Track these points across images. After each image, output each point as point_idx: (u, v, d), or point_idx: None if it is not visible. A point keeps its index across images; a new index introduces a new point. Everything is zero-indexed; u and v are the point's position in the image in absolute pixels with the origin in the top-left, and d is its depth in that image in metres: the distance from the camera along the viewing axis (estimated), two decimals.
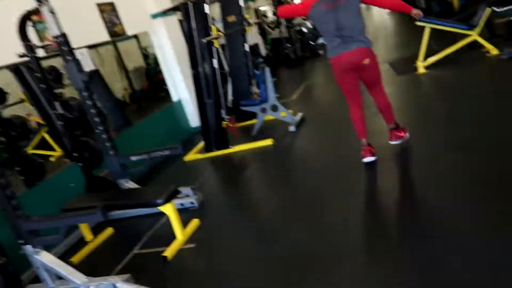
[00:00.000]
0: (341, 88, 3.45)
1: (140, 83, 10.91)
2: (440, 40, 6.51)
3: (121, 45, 9.97)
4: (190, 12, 4.58)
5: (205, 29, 4.64)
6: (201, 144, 5.44)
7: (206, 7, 4.60)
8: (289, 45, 10.47)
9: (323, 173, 3.64)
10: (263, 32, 10.51)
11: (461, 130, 3.55)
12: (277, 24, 10.95)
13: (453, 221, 2.38)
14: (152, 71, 10.74)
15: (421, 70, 5.74)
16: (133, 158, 3.73)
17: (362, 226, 2.69)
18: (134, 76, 10.94)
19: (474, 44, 5.83)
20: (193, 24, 4.63)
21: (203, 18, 4.59)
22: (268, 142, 4.83)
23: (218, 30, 4.65)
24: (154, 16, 5.88)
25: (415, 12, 3.30)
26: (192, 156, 5.23)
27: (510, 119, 3.44)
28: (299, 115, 5.35)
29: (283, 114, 5.25)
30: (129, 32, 5.50)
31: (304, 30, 11.58)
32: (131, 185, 3.75)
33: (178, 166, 5.02)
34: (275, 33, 11.54)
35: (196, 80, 4.87)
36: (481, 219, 2.31)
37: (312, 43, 10.99)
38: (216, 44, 4.62)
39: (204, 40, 4.38)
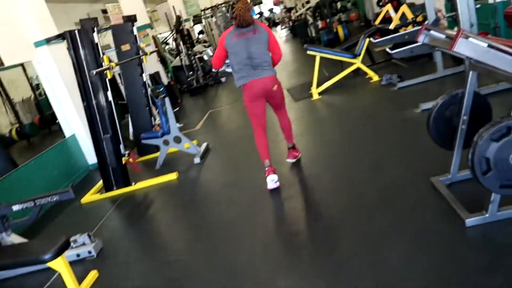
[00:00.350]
0: (249, 113, 3.70)
1: (30, 117, 9.87)
2: (329, 67, 7.05)
3: (4, 74, 8.98)
4: (77, 41, 4.27)
5: (95, 59, 4.36)
6: (100, 183, 5.05)
7: (95, 36, 4.33)
8: (191, 73, 10.44)
9: (231, 204, 3.59)
10: (163, 60, 10.33)
11: (352, 152, 3.81)
12: (178, 51, 10.87)
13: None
14: (42, 103, 9.80)
15: (315, 96, 6.12)
16: (16, 207, 3.26)
17: (269, 259, 2.67)
18: (22, 109, 9.89)
19: (358, 71, 6.44)
20: (82, 53, 4.32)
21: (92, 47, 4.31)
22: (172, 176, 4.65)
23: (111, 60, 4.39)
24: (37, 44, 5.40)
25: None
26: (89, 197, 4.81)
27: (391, 139, 3.80)
28: (204, 146, 5.27)
29: (187, 145, 5.13)
30: (9, 62, 4.95)
31: (205, 57, 11.69)
32: (15, 239, 3.28)
33: (74, 210, 4.57)
34: (176, 61, 11.44)
35: (89, 113, 4.53)
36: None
37: (215, 70, 11.10)
38: (109, 75, 4.35)
39: (94, 72, 4.10)
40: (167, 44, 15.80)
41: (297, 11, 21.15)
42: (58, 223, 4.36)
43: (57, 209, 4.63)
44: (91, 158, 6.00)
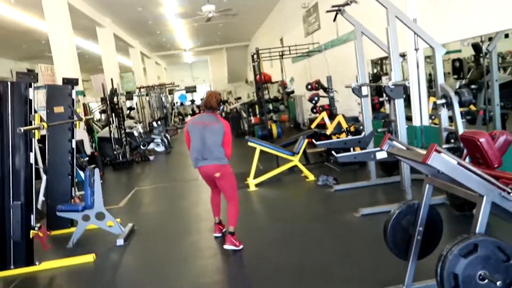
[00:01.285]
0: None
1: None
2: (264, 161, 7.14)
3: None
4: (7, 94, 3.80)
5: (24, 116, 3.88)
6: None
7: (31, 92, 3.92)
8: (117, 146, 9.92)
9: None
10: (90, 129, 9.76)
11: (294, 257, 3.65)
12: (107, 123, 10.40)
13: None
14: None
15: (252, 187, 6.05)
16: None
17: None
18: None
19: (294, 168, 6.61)
20: (9, 108, 3.83)
21: (24, 103, 3.85)
22: (88, 258, 4.02)
23: (42, 120, 3.95)
24: None
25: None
26: None
27: (321, 242, 3.73)
28: (129, 226, 4.75)
29: (110, 223, 4.57)
30: None
31: (135, 133, 11.31)
32: None
33: None
34: (103, 132, 10.89)
35: (1, 174, 3.88)
36: None
37: (143, 147, 10.71)
38: (37, 135, 3.87)
39: (22, 129, 3.62)
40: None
41: (229, 104, 22.14)
42: None
43: None
44: None
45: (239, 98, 25.70)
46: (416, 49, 5.26)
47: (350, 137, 6.42)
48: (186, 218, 5.32)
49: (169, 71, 33.38)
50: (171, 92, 24.02)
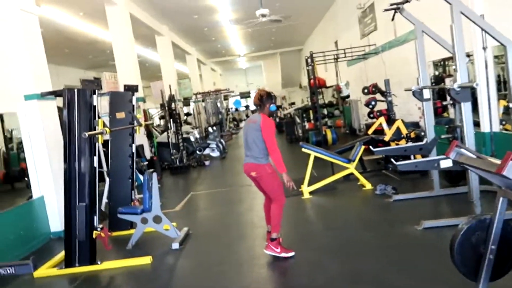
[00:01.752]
0: None
1: None
2: (319, 168, 6.99)
3: None
4: (74, 101, 4.04)
5: (89, 122, 4.10)
6: (61, 255, 4.44)
7: (95, 98, 4.13)
8: (175, 151, 10.24)
9: None
10: (149, 134, 10.18)
11: (349, 266, 3.49)
12: (165, 128, 10.78)
13: None
14: (12, 157, 9.19)
15: (306, 194, 5.93)
16: None
17: None
18: None
19: (349, 176, 6.39)
20: (76, 114, 4.06)
21: (88, 109, 4.07)
22: (145, 260, 4.14)
23: (105, 125, 4.15)
24: (28, 97, 5.16)
25: (286, 179, 3.79)
26: (45, 271, 4.18)
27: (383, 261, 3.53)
28: (184, 230, 4.84)
29: (167, 227, 4.69)
30: None
31: (192, 139, 11.63)
32: None
33: (23, 285, 3.91)
34: (161, 137, 11.31)
35: (68, 177, 4.12)
36: None
37: (199, 152, 10.96)
38: (101, 140, 4.07)
39: (86, 134, 3.82)
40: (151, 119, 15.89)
41: (283, 110, 22.11)
42: None
43: (3, 279, 3.95)
44: (54, 225, 5.43)
45: (293, 103, 25.58)
46: (484, 48, 4.88)
47: (410, 143, 6.09)
48: (240, 223, 5.32)
49: (224, 77, 34.05)
50: (226, 97, 24.47)
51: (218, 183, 8.33)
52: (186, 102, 16.42)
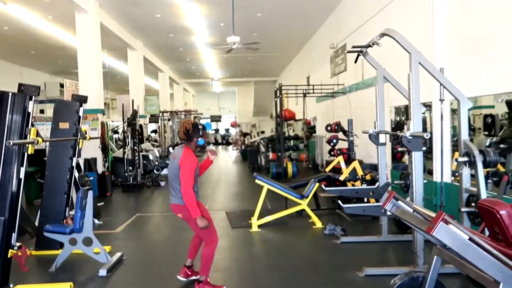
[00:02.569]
0: None
1: None
2: (273, 200, 6.81)
3: None
4: (7, 104, 3.70)
5: (21, 129, 3.75)
6: None
7: (30, 104, 3.80)
8: (130, 168, 9.82)
9: None
10: (104, 148, 9.73)
11: None
12: (124, 143, 10.38)
13: None
14: None
15: (255, 227, 5.71)
16: None
17: None
18: None
19: (302, 212, 6.24)
20: (7, 118, 3.71)
21: (22, 116, 3.73)
22: (65, 286, 3.75)
23: (38, 135, 3.81)
24: None
25: (201, 224, 3.40)
26: None
27: None
28: (117, 256, 4.47)
29: (97, 250, 4.32)
30: None
31: (151, 157, 11.24)
32: None
33: None
34: (119, 152, 10.87)
35: None
36: None
37: (156, 172, 10.58)
38: (31, 150, 3.72)
39: (11, 143, 3.47)
40: (116, 133, 15.36)
41: (251, 138, 22.06)
42: None
43: None
44: None
45: (263, 132, 25.65)
46: (441, 100, 4.94)
47: (364, 186, 6.04)
48: (180, 255, 4.96)
49: (197, 99, 33.93)
50: (195, 119, 24.23)
51: (169, 206, 7.96)
52: (155, 119, 16.04)
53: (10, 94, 3.66)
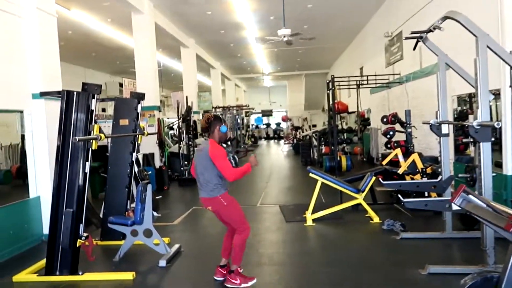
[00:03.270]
0: None
1: (10, 163, 9.30)
2: (328, 194, 6.67)
3: (2, 116, 8.70)
4: (73, 102, 3.93)
5: (85, 126, 3.97)
6: (42, 262, 4.28)
7: (93, 102, 4.01)
8: (186, 163, 10.11)
9: None
10: (161, 143, 10.09)
11: None
12: (179, 139, 10.70)
13: None
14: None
15: (309, 221, 5.63)
16: None
17: None
18: (6, 154, 9.37)
19: (358, 207, 6.06)
20: (73, 116, 3.94)
21: (86, 113, 3.95)
22: (128, 276, 3.93)
23: (101, 131, 4.00)
24: (35, 96, 5.13)
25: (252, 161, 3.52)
26: (24, 276, 4.02)
27: None
28: (175, 247, 4.61)
29: (157, 242, 4.48)
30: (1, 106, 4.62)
31: None
32: None
33: None
34: (174, 147, 11.21)
35: (57, 180, 3.99)
36: None
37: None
38: (94, 145, 3.92)
39: (77, 139, 3.68)
40: (171, 129, 15.89)
41: (303, 131, 21.84)
42: None
43: None
44: (48, 227, 5.29)
45: (314, 125, 25.29)
46: None
47: (425, 179, 5.73)
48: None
49: (248, 94, 34.17)
50: (247, 114, 24.41)
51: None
52: None
53: (75, 93, 3.87)
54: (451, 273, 3.60)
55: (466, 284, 2.13)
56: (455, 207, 3.54)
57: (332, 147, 9.99)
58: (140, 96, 5.08)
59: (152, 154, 9.40)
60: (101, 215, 6.16)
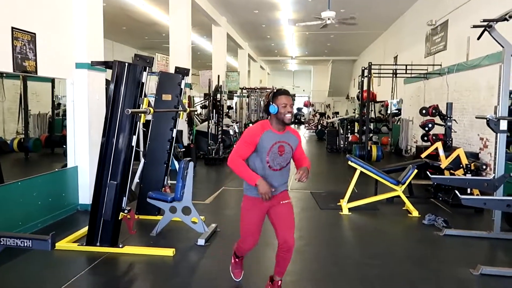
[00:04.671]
0: None
1: (38, 132, 9.42)
2: (360, 185, 6.52)
3: (33, 84, 8.76)
4: (123, 75, 3.85)
5: (134, 99, 3.90)
6: (84, 230, 4.30)
7: (144, 75, 3.92)
8: (212, 142, 10.05)
9: None
10: (190, 121, 10.04)
11: None
12: (207, 117, 10.62)
13: None
14: (57, 123, 9.42)
15: (345, 210, 5.51)
16: None
17: None
18: (35, 122, 9.47)
19: (393, 199, 5.91)
20: (122, 89, 3.88)
21: (136, 86, 3.88)
22: (168, 252, 3.90)
23: (150, 105, 3.93)
24: (79, 65, 5.08)
25: (261, 190, 2.72)
26: (65, 244, 4.04)
27: None
28: (212, 227, 4.57)
29: (195, 220, 4.45)
30: (42, 72, 4.56)
31: (231, 132, 11.42)
32: None
33: (40, 256, 3.76)
34: (201, 126, 11.16)
35: (104, 152, 3.94)
36: None
37: None
38: (143, 119, 3.86)
39: (129, 111, 3.61)
40: (204, 107, 15.84)
41: (327, 118, 21.54)
42: (11, 268, 3.54)
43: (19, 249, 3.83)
44: (84, 197, 5.34)
45: (337, 113, 24.93)
46: None
47: (469, 176, 5.52)
48: (267, 229, 4.98)
49: (272, 76, 33.82)
50: None
51: None
52: (230, 95, 16.26)
53: (126, 64, 3.78)
54: (504, 275, 3.45)
55: None
56: None
57: (362, 136, 9.79)
58: (185, 72, 4.98)
59: (181, 132, 9.36)
60: (132, 187, 6.18)
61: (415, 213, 5.40)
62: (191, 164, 4.40)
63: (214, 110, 10.30)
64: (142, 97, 3.86)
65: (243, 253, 3.19)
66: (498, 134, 4.33)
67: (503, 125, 4.23)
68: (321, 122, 20.52)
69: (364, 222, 5.27)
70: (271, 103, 2.74)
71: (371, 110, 15.00)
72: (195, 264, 3.82)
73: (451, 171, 6.11)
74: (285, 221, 2.89)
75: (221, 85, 10.64)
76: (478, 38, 4.35)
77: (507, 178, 4.37)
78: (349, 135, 13.01)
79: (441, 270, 3.66)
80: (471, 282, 3.39)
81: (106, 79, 5.56)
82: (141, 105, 3.82)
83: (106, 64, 4.13)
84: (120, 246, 3.97)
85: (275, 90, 2.84)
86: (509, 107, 6.84)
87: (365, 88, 9.44)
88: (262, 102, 3.12)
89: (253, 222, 2.93)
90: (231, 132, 11.47)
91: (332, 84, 28.11)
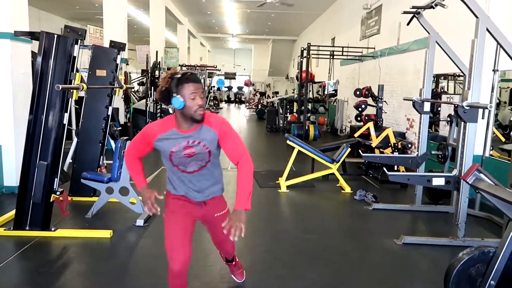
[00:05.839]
0: None
1: None
2: (297, 163, 6.76)
3: None
4: (52, 47, 3.59)
5: (65, 74, 3.66)
6: (10, 214, 4.04)
7: (76, 49, 3.69)
8: (151, 120, 9.77)
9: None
10: (127, 99, 9.65)
11: (315, 271, 3.28)
12: (145, 95, 10.28)
13: None
14: None
15: (283, 188, 5.70)
16: None
17: None
18: None
19: (328, 177, 6.23)
20: (51, 62, 3.62)
21: (67, 60, 3.64)
22: (105, 233, 3.80)
23: (82, 81, 3.72)
24: (2, 35, 4.65)
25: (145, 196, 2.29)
26: None
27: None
28: None
29: (133, 200, 4.35)
30: None
31: (170, 111, 11.15)
32: None
33: None
34: (139, 104, 10.79)
35: (31, 130, 3.69)
36: None
37: None
38: (75, 95, 3.65)
39: (60, 87, 3.39)
40: (141, 84, 15.21)
41: (267, 97, 21.80)
42: None
43: None
44: (9, 179, 4.99)
45: (277, 92, 25.32)
46: (494, 70, 4.73)
47: (396, 154, 5.95)
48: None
49: (212, 54, 33.33)
50: (210, 75, 23.89)
51: None
52: None
53: (55, 36, 3.53)
54: (424, 243, 3.82)
55: (463, 258, 2.24)
56: (435, 183, 3.71)
57: (301, 116, 10.08)
58: (121, 46, 4.75)
59: (117, 109, 8.98)
60: (65, 168, 5.88)
61: (347, 189, 5.73)
62: (129, 143, 4.25)
63: (152, 88, 9.98)
64: (74, 72, 3.64)
65: (175, 281, 2.26)
66: (422, 115, 4.69)
67: (427, 106, 4.59)
68: (261, 101, 20.75)
69: (301, 199, 5.50)
70: (173, 93, 2.00)
71: (309, 91, 15.49)
72: (133, 244, 3.76)
73: (380, 149, 6.53)
74: (224, 238, 2.31)
75: (159, 61, 10.30)
76: (408, 24, 4.63)
77: (428, 156, 4.78)
78: (288, 114, 13.32)
79: (370, 241, 3.96)
80: (395, 251, 3.71)
81: (33, 51, 5.15)
82: (73, 80, 3.60)
83: (32, 35, 3.81)
84: (53, 229, 3.79)
85: (178, 75, 2.03)
86: (432, 90, 7.45)
87: (304, 68, 9.67)
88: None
89: (177, 233, 2.22)
90: (170, 111, 11.20)
91: (273, 63, 28.38)
